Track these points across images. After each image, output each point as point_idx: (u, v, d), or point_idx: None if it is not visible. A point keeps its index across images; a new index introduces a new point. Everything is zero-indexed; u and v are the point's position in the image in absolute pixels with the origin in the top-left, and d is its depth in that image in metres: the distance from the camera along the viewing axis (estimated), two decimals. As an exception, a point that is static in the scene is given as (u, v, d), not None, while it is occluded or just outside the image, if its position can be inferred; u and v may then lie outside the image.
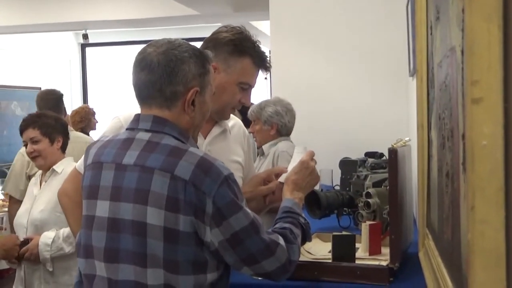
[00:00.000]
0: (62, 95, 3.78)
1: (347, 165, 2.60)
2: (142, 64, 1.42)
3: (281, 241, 1.42)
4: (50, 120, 2.78)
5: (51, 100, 3.70)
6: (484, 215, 0.76)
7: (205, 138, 1.86)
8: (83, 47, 9.51)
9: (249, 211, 1.38)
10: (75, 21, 7.17)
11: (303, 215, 1.61)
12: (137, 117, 1.46)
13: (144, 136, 1.41)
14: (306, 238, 1.60)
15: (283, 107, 3.23)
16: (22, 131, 2.81)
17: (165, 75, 1.40)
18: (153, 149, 1.37)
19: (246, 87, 1.81)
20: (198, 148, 1.46)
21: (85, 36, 7.78)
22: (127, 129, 1.47)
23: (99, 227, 1.40)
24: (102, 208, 1.40)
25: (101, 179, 1.42)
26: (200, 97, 1.45)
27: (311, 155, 1.74)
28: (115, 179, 1.39)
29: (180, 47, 1.43)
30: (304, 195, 1.69)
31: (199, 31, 8.11)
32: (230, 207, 1.34)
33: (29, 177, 3.42)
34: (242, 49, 1.78)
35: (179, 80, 1.40)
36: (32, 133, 2.73)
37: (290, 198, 1.63)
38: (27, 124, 2.77)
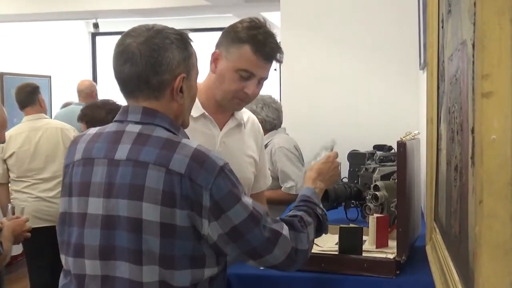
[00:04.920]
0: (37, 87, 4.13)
1: (355, 157, 2.60)
2: (124, 57, 1.37)
3: (285, 230, 1.40)
4: (100, 111, 2.79)
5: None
6: (492, 209, 0.76)
7: (221, 130, 1.86)
8: (94, 36, 9.52)
9: (248, 201, 1.36)
10: (86, 10, 7.17)
11: (321, 205, 1.60)
12: (125, 109, 1.41)
13: (134, 128, 1.36)
14: (322, 229, 1.58)
15: (258, 104, 3.21)
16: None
17: (150, 66, 1.35)
18: (145, 142, 1.34)
19: (246, 75, 1.73)
20: (189, 138, 1.42)
21: (96, 25, 7.78)
22: (115, 121, 1.43)
23: (93, 225, 1.35)
24: (95, 205, 1.35)
25: (92, 175, 1.37)
26: (187, 82, 1.41)
27: (336, 155, 1.76)
28: (108, 175, 1.34)
29: (160, 34, 1.38)
30: (325, 187, 1.69)
31: (210, 21, 8.10)
32: (228, 199, 1.31)
33: (4, 161, 3.85)
34: (242, 36, 1.74)
35: (164, 69, 1.36)
36: (82, 127, 2.78)
37: (311, 187, 1.63)
38: (78, 117, 2.83)
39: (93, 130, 1.45)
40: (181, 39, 1.40)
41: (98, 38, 9.56)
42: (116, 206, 1.32)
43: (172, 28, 1.42)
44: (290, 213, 1.51)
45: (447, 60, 1.31)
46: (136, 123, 1.37)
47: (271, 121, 3.23)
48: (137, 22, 1.50)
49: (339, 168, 1.77)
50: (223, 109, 1.84)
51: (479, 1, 0.76)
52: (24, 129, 3.89)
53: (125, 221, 1.31)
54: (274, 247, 1.37)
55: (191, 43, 1.44)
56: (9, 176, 3.86)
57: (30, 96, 4.01)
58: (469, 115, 0.94)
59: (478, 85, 0.77)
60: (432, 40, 1.57)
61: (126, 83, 1.39)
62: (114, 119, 1.43)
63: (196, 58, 1.47)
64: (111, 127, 1.42)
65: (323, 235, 1.87)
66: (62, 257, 1.43)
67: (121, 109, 1.43)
